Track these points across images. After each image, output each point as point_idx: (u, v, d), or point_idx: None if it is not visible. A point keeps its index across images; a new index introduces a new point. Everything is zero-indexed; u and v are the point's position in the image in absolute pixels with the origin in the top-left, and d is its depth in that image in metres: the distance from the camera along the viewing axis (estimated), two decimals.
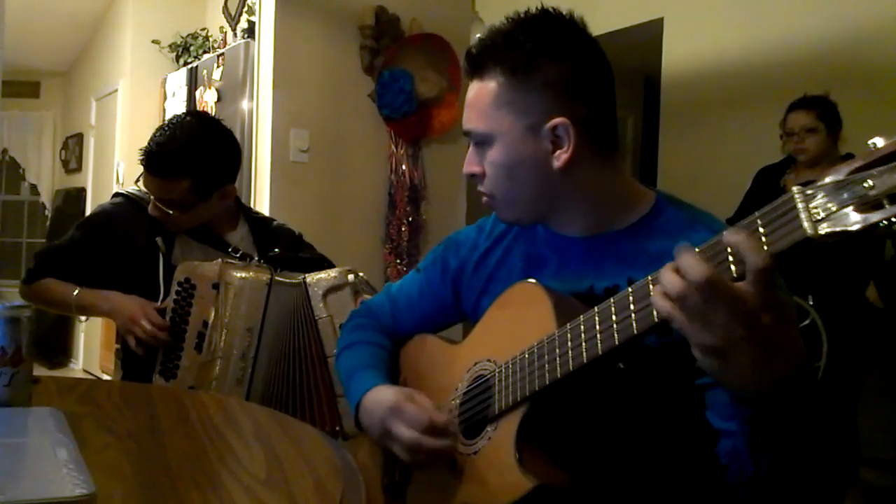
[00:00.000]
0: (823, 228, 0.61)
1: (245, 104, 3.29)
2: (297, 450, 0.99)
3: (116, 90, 4.77)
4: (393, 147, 3.33)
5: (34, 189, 6.40)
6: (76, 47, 5.69)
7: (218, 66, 3.58)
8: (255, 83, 3.22)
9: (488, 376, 0.98)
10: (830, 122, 2.81)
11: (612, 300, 0.80)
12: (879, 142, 0.61)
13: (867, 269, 2.80)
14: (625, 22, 4.21)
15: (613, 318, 0.79)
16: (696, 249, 0.70)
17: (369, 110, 3.28)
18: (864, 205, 0.59)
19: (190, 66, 3.97)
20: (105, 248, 1.76)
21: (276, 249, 1.78)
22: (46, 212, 6.29)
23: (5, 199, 6.41)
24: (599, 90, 0.99)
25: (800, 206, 0.62)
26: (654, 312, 0.74)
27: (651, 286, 0.74)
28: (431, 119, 3.36)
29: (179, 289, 1.65)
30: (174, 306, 1.65)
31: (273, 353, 1.67)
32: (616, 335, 0.78)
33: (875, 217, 0.58)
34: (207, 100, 3.63)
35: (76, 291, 1.74)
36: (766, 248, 0.65)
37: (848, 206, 0.60)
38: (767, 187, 2.96)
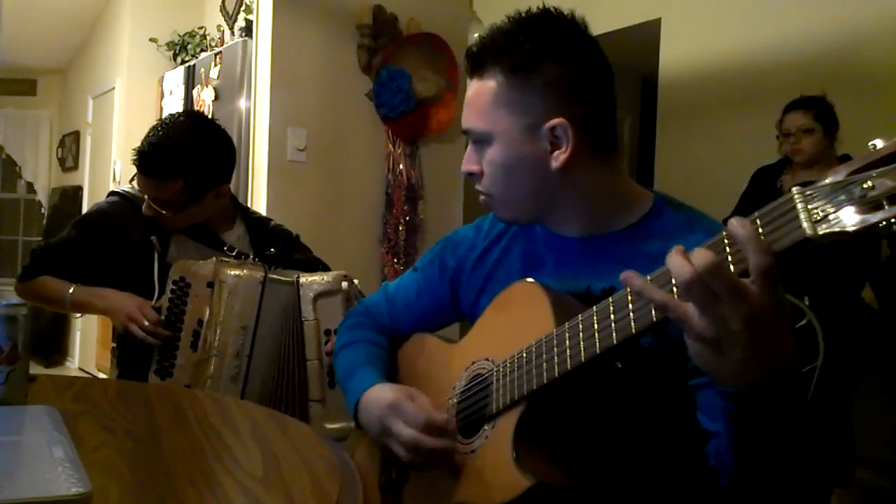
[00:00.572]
0: (823, 229, 0.61)
1: (242, 103, 3.28)
2: (295, 449, 0.99)
3: (113, 88, 4.76)
4: (390, 146, 3.33)
5: (30, 187, 6.39)
6: (73, 45, 5.67)
7: (215, 65, 3.58)
8: (253, 82, 3.22)
9: (486, 375, 0.98)
10: (827, 123, 2.81)
11: (610, 299, 0.80)
12: (879, 143, 0.62)
13: (863, 269, 2.80)
14: (622, 22, 4.22)
15: (612, 317, 0.79)
16: (703, 244, 0.70)
17: (367, 109, 3.28)
18: (864, 205, 0.59)
19: (187, 64, 3.97)
20: (101, 246, 1.76)
21: (272, 249, 1.78)
22: (43, 210, 6.27)
23: (1, 197, 6.39)
24: (599, 90, 0.99)
25: (799, 206, 0.62)
26: (653, 312, 0.74)
27: (648, 279, 0.74)
28: (429, 118, 3.35)
29: (175, 287, 1.65)
30: (169, 305, 1.65)
31: (266, 350, 1.67)
32: (614, 334, 0.78)
33: (874, 218, 0.58)
34: (205, 98, 3.63)
35: (72, 289, 1.74)
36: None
37: (847, 206, 0.60)
38: (764, 188, 2.96)
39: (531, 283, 0.96)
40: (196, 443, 0.99)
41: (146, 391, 1.30)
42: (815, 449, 0.77)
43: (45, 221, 6.05)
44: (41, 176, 6.32)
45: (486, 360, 1.01)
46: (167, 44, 4.41)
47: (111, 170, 4.66)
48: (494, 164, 1.01)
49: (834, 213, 0.60)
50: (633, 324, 0.76)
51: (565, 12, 1.00)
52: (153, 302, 1.67)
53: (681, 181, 3.93)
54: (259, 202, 3.12)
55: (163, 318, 1.64)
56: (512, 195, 1.02)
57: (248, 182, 3.21)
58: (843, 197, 0.60)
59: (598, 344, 0.80)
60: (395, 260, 3.30)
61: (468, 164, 1.05)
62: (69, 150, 5.84)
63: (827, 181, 0.61)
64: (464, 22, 3.63)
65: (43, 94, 6.36)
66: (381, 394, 1.06)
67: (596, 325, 0.81)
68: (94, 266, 1.76)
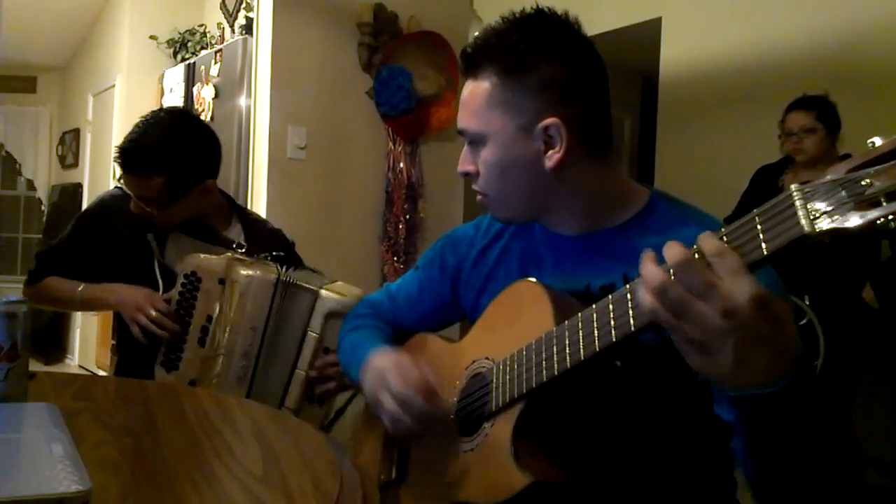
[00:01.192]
0: (821, 226, 0.61)
1: (243, 101, 3.28)
2: (295, 447, 0.99)
3: (113, 86, 4.75)
4: (390, 145, 3.33)
5: (30, 184, 6.39)
6: (73, 42, 5.67)
7: (216, 63, 3.57)
8: (253, 80, 3.21)
9: (486, 374, 0.98)
10: (829, 122, 2.81)
11: (610, 297, 0.80)
12: (878, 141, 0.62)
13: (863, 269, 2.80)
14: (622, 21, 4.21)
15: (611, 314, 0.79)
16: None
17: (367, 108, 3.28)
18: (862, 203, 0.59)
19: (187, 62, 3.96)
20: (102, 240, 1.76)
21: (273, 253, 1.77)
22: (43, 207, 6.27)
23: (1, 195, 6.39)
24: (593, 90, 0.99)
25: (798, 203, 0.62)
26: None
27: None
28: (429, 117, 3.35)
29: (185, 281, 1.65)
30: (179, 298, 1.65)
31: (270, 351, 1.66)
32: (613, 332, 0.78)
33: (873, 215, 0.58)
34: (205, 96, 3.62)
35: (80, 287, 1.73)
36: (763, 245, 0.65)
37: (846, 204, 0.60)
38: (765, 187, 2.96)
39: (532, 282, 0.96)
40: (196, 440, 0.99)
41: (146, 389, 1.30)
42: (834, 450, 0.76)
43: (45, 219, 6.05)
44: (41, 173, 6.32)
45: (486, 358, 1.01)
46: (167, 41, 4.41)
47: (111, 167, 4.66)
48: (489, 165, 1.01)
49: (832, 210, 0.60)
50: (632, 321, 0.76)
51: (559, 12, 1.00)
52: (161, 294, 1.67)
53: (681, 180, 3.92)
54: (259, 200, 3.12)
55: (173, 310, 1.64)
56: (507, 195, 1.02)
57: (248, 180, 3.21)
58: (841, 194, 0.60)
59: (597, 342, 0.80)
60: (395, 258, 3.30)
61: (464, 164, 1.05)
62: (69, 147, 5.84)
63: (826, 179, 0.61)
64: (464, 20, 3.63)
65: (43, 92, 6.36)
66: (387, 354, 1.09)
67: (595, 324, 0.81)
68: (99, 260, 1.76)
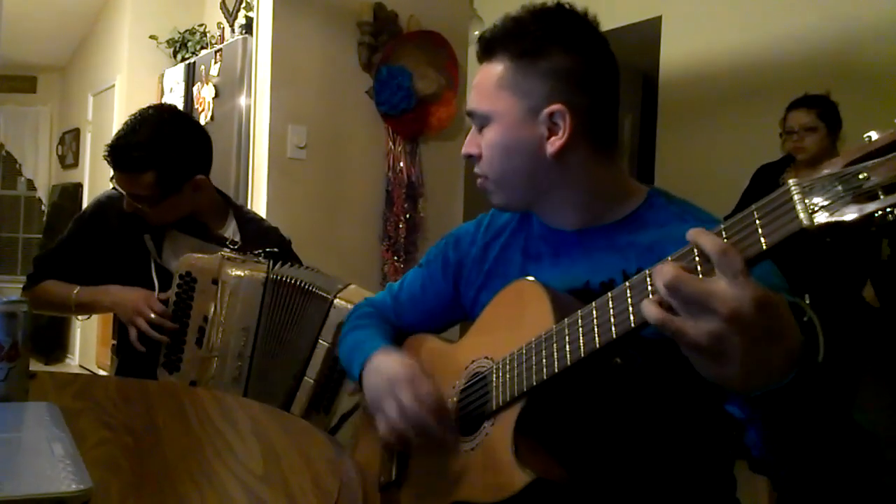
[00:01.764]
0: (819, 220, 0.61)
1: (243, 100, 3.28)
2: (295, 446, 0.99)
3: (113, 85, 4.75)
4: (390, 144, 3.33)
5: (31, 184, 6.39)
6: (73, 42, 5.67)
7: (216, 62, 3.57)
8: (253, 79, 3.21)
9: (485, 373, 0.98)
10: (830, 121, 2.81)
11: (609, 295, 0.80)
12: (874, 135, 0.62)
13: (864, 268, 2.80)
14: (623, 20, 4.21)
15: (611, 312, 0.79)
16: (669, 257, 0.71)
17: (367, 107, 3.28)
18: (860, 196, 0.59)
19: (187, 61, 3.96)
20: (99, 242, 1.76)
21: (267, 250, 1.77)
22: (43, 207, 6.27)
23: (1, 195, 6.39)
24: (602, 84, 1.01)
25: (796, 198, 0.62)
26: None
27: (647, 280, 0.74)
28: (429, 116, 3.35)
29: (181, 282, 1.65)
30: (176, 299, 1.64)
31: (273, 352, 1.66)
32: (613, 329, 0.78)
33: (870, 208, 0.59)
34: (205, 96, 3.62)
35: (76, 290, 1.73)
36: (762, 239, 0.65)
37: (843, 197, 0.60)
38: (766, 185, 2.96)
39: (531, 281, 0.96)
40: (196, 440, 0.99)
41: (147, 388, 1.30)
42: (849, 444, 0.76)
43: (45, 219, 6.06)
44: (41, 173, 6.32)
45: (486, 358, 1.01)
46: (167, 41, 4.41)
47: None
48: (492, 145, 1.02)
49: (830, 204, 0.60)
50: (631, 318, 0.76)
51: (578, 8, 1.02)
52: (156, 294, 1.67)
53: (682, 179, 3.92)
54: (259, 199, 3.12)
55: (170, 311, 1.64)
56: (507, 178, 1.04)
57: (248, 179, 3.21)
58: (839, 188, 0.60)
59: (597, 339, 0.80)
60: (396, 258, 3.30)
61: (469, 146, 1.06)
62: (69, 147, 5.84)
63: (824, 173, 0.61)
64: (464, 19, 3.63)
65: (43, 92, 6.36)
66: (398, 360, 1.07)
67: (595, 321, 0.81)
68: (96, 262, 1.76)
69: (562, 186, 1.02)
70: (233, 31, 3.74)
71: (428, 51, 3.32)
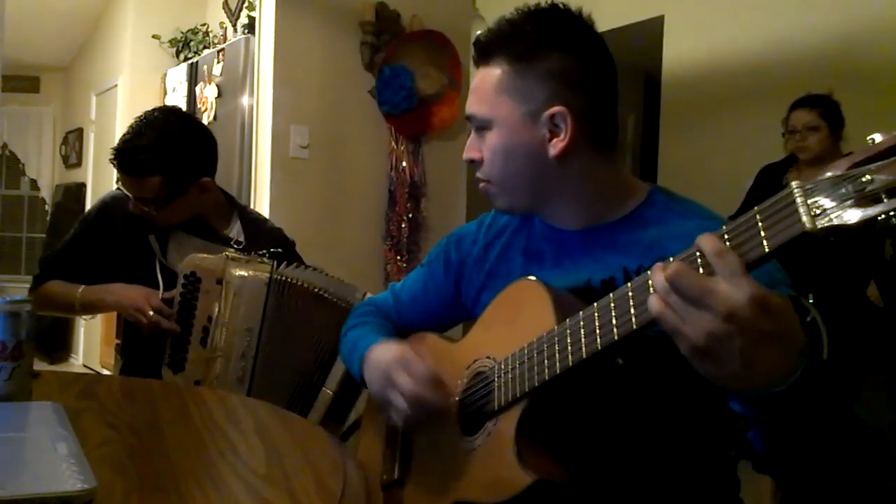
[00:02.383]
0: (822, 223, 0.61)
1: (245, 100, 3.28)
2: (298, 446, 0.99)
3: (116, 85, 4.76)
4: (393, 143, 3.33)
5: (34, 184, 6.40)
6: (76, 42, 5.68)
7: (218, 62, 3.58)
8: (256, 79, 3.22)
9: (488, 373, 0.99)
10: (833, 120, 2.81)
11: (611, 296, 0.80)
12: (878, 137, 0.62)
13: (868, 267, 2.80)
14: (625, 20, 4.21)
15: (613, 313, 0.79)
16: (671, 259, 0.72)
17: (369, 107, 3.28)
18: (863, 199, 0.59)
19: (190, 61, 3.97)
20: (104, 242, 1.76)
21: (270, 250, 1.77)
22: (46, 207, 6.29)
23: (5, 194, 6.40)
24: (601, 84, 1.01)
25: (798, 200, 0.62)
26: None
27: (649, 281, 0.74)
28: (431, 116, 3.35)
29: (185, 282, 1.65)
30: (181, 299, 1.65)
31: (281, 355, 1.65)
32: (615, 330, 0.78)
33: (873, 211, 0.58)
34: (207, 95, 3.63)
35: (80, 290, 1.74)
36: (764, 242, 0.65)
37: (847, 200, 0.60)
38: (770, 185, 2.95)
39: (532, 281, 0.96)
40: (200, 439, 0.99)
41: (151, 388, 1.31)
42: (854, 444, 0.76)
43: (48, 218, 6.07)
44: (45, 173, 6.33)
45: (488, 357, 1.01)
46: (170, 41, 4.42)
47: (115, 168, 4.66)
48: (494, 150, 1.02)
49: (833, 207, 0.60)
50: (633, 319, 0.76)
51: (573, 8, 1.02)
52: (160, 292, 1.67)
53: (684, 179, 3.92)
54: (262, 199, 3.12)
55: (175, 311, 1.64)
56: (510, 182, 1.03)
57: (251, 179, 3.22)
58: (842, 191, 0.60)
59: (599, 340, 0.80)
60: (399, 257, 3.30)
61: (470, 151, 1.06)
62: (72, 147, 5.85)
63: (827, 175, 0.61)
64: (466, 19, 3.63)
65: (46, 92, 6.37)
66: (388, 348, 1.09)
67: (597, 322, 0.81)
68: (101, 262, 1.76)
69: (565, 187, 1.02)
70: (235, 30, 3.75)
71: (430, 50, 3.32)
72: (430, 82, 3.30)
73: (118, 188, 1.83)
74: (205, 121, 3.48)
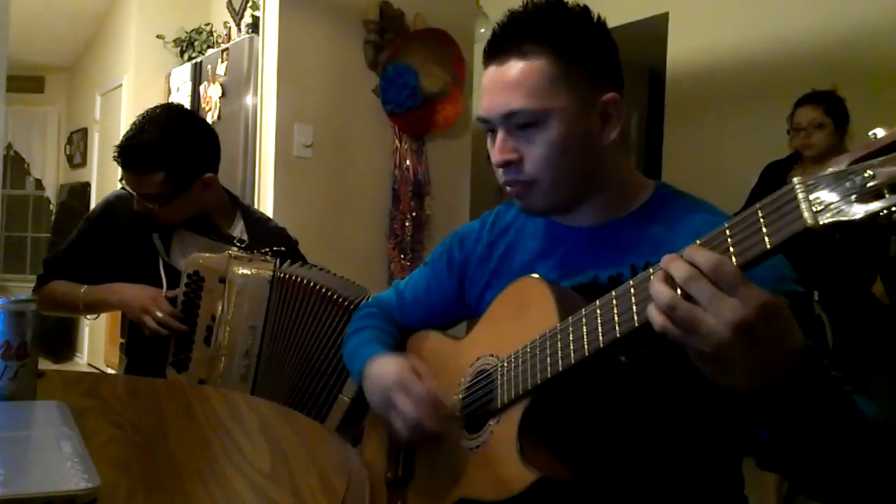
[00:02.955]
0: (824, 219, 0.60)
1: (249, 99, 3.29)
2: (302, 444, 0.99)
3: (121, 85, 4.77)
4: (397, 142, 3.33)
5: (39, 184, 6.42)
6: (80, 42, 5.69)
7: (222, 62, 3.58)
8: (260, 78, 3.22)
9: (490, 371, 0.98)
10: (838, 117, 2.80)
11: (613, 293, 0.80)
12: (880, 132, 0.61)
13: (873, 264, 2.79)
14: (630, 16, 4.20)
15: (615, 310, 0.79)
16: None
17: (373, 105, 3.28)
18: (865, 195, 0.59)
19: (194, 61, 3.97)
20: (108, 241, 1.77)
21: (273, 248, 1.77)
22: (51, 206, 6.30)
23: (10, 194, 6.42)
24: (621, 75, 1.02)
25: (800, 196, 0.62)
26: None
27: (651, 278, 0.74)
28: (435, 114, 3.35)
29: (189, 281, 1.65)
30: (184, 298, 1.65)
31: (288, 354, 1.65)
32: (617, 328, 0.78)
33: (875, 206, 0.58)
34: (212, 95, 3.63)
35: (83, 289, 1.74)
36: (766, 238, 0.65)
37: (849, 196, 0.60)
38: (775, 183, 2.94)
39: (535, 279, 0.96)
40: (204, 438, 0.99)
41: (155, 387, 1.31)
42: (861, 439, 0.76)
43: (53, 218, 6.08)
44: (49, 173, 6.35)
45: (491, 355, 1.01)
46: (174, 40, 4.42)
47: (119, 167, 4.67)
48: (550, 143, 0.97)
49: (835, 202, 0.60)
50: (635, 317, 0.76)
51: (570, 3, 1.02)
52: (164, 291, 1.67)
53: (689, 176, 3.91)
54: (266, 198, 3.13)
55: (178, 310, 1.64)
56: (562, 176, 0.99)
57: (255, 178, 3.22)
58: (844, 186, 0.60)
59: (601, 338, 0.80)
60: (402, 256, 3.30)
61: (504, 153, 0.99)
62: (77, 146, 5.86)
63: (829, 171, 0.61)
64: (470, 17, 3.62)
65: (51, 92, 6.38)
66: (388, 364, 1.08)
67: (599, 319, 0.81)
68: (105, 262, 1.76)
69: (605, 178, 1.02)
70: (239, 30, 3.75)
71: (434, 49, 3.32)
72: (433, 81, 3.30)
73: (122, 187, 1.83)
74: (209, 120, 3.49)
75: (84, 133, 5.72)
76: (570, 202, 1.03)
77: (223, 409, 1.15)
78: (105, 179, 5.09)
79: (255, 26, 3.36)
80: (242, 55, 3.35)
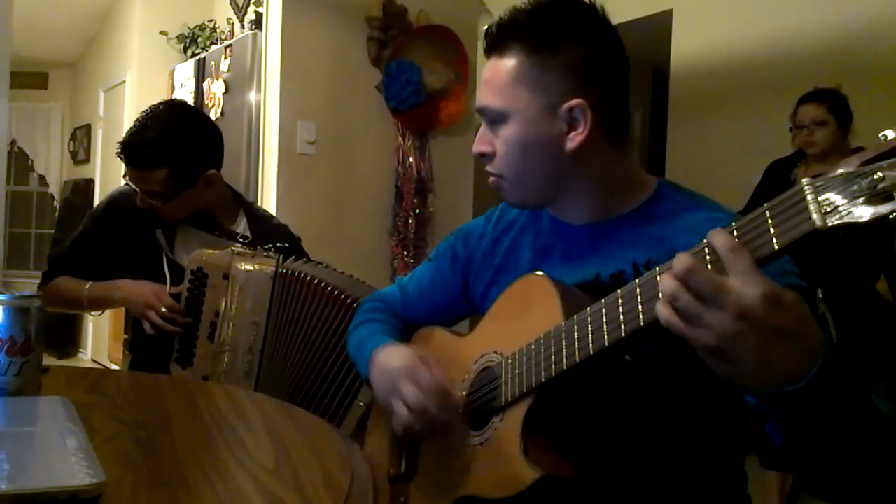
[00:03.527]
0: (832, 220, 0.60)
1: (252, 96, 3.29)
2: (306, 440, 0.99)
3: (124, 81, 4.78)
4: (400, 139, 3.33)
5: (42, 180, 6.43)
6: (84, 38, 5.69)
7: (225, 58, 3.58)
8: (263, 75, 3.22)
9: (495, 368, 0.98)
10: (841, 115, 2.79)
11: (619, 292, 0.80)
12: (890, 134, 0.61)
13: (877, 261, 2.78)
14: (633, 14, 4.19)
15: (620, 309, 0.78)
16: (680, 254, 0.70)
17: (376, 102, 3.28)
18: (874, 196, 0.58)
19: (197, 57, 3.97)
20: (112, 238, 1.77)
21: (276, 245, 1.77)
22: (55, 203, 6.31)
23: (14, 190, 6.42)
24: (615, 76, 1.00)
25: (809, 197, 0.62)
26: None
27: (658, 277, 0.74)
28: (439, 111, 3.35)
29: (192, 277, 1.65)
30: (188, 295, 1.65)
31: (294, 353, 1.65)
32: (623, 327, 0.78)
33: (885, 209, 0.58)
34: (215, 91, 3.63)
35: (87, 286, 1.74)
36: (774, 239, 0.64)
37: (858, 198, 0.59)
38: (778, 181, 2.94)
39: (540, 276, 0.96)
40: (208, 434, 1.00)
41: (159, 383, 1.31)
42: (875, 441, 0.75)
43: (57, 214, 6.09)
44: (53, 169, 6.36)
45: (495, 353, 1.01)
46: (177, 37, 4.42)
47: (122, 163, 4.67)
48: (510, 143, 1.00)
49: (844, 204, 0.60)
50: (641, 316, 0.76)
51: None
52: (168, 288, 1.68)
53: (692, 173, 3.90)
54: (269, 195, 3.13)
55: (182, 306, 1.64)
56: (524, 176, 1.01)
57: (258, 175, 3.22)
58: (853, 188, 0.59)
59: (606, 337, 0.80)
60: (405, 253, 3.30)
61: (480, 144, 1.03)
62: (81, 143, 5.87)
63: (838, 172, 0.61)
64: (473, 13, 3.62)
65: (54, 88, 6.39)
66: (397, 353, 1.08)
67: (605, 318, 0.80)
68: (109, 258, 1.77)
69: (578, 181, 1.01)
70: (242, 26, 3.75)
71: (437, 45, 3.31)
72: (437, 77, 3.30)
73: (126, 184, 1.84)
74: (212, 117, 3.49)
75: (87, 129, 5.72)
76: (541, 200, 1.05)
77: (227, 404, 1.15)
78: (108, 176, 5.09)
79: (258, 23, 3.36)
80: (246, 52, 3.35)
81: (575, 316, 0.85)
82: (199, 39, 4.25)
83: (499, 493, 0.89)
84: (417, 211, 3.33)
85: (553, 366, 0.86)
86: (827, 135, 2.79)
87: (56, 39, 5.64)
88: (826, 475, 0.78)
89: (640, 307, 0.76)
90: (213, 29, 4.21)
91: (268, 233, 1.85)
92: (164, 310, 1.62)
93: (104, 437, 0.89)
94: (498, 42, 1.00)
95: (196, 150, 1.70)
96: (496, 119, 1.01)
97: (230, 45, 3.58)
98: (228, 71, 3.55)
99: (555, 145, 0.98)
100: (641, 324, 0.76)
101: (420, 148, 3.36)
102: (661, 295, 0.70)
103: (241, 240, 1.78)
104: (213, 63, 3.72)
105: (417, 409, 0.99)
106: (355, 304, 1.61)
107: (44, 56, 5.94)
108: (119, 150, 1.69)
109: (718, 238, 0.67)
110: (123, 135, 1.72)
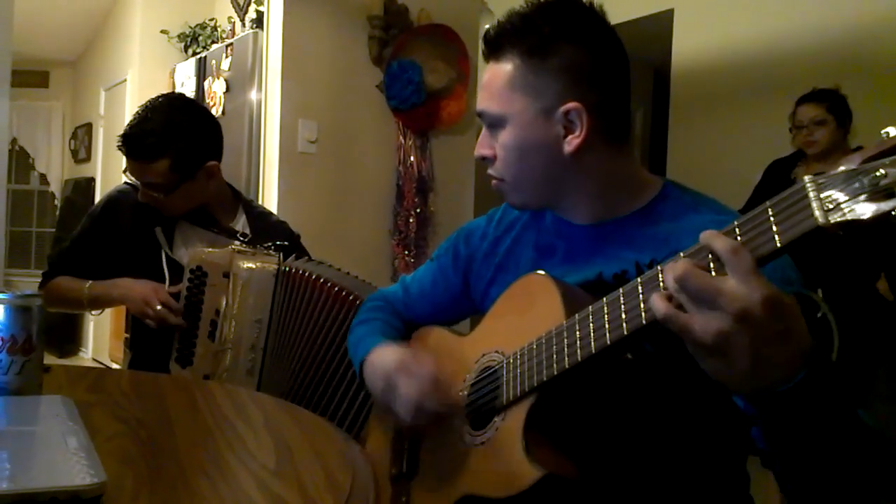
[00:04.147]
0: (835, 218, 0.60)
1: (254, 95, 3.29)
2: (308, 440, 0.99)
3: (125, 80, 4.78)
4: (401, 138, 3.33)
5: (43, 179, 6.43)
6: (85, 37, 5.69)
7: (226, 57, 3.58)
8: (264, 74, 3.22)
9: (496, 367, 0.98)
10: (840, 114, 2.79)
11: (621, 290, 0.79)
12: (892, 131, 0.61)
13: (878, 261, 2.78)
14: (634, 13, 4.19)
15: (622, 308, 0.78)
16: (681, 254, 0.71)
17: (377, 101, 3.28)
18: (877, 193, 0.58)
19: (198, 56, 3.97)
20: (112, 236, 1.77)
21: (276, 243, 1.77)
22: (56, 201, 6.31)
23: (15, 189, 6.43)
24: (614, 78, 0.99)
25: (811, 195, 0.62)
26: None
27: (659, 276, 0.74)
28: (440, 110, 3.35)
29: (192, 276, 1.65)
30: (187, 293, 1.65)
31: (296, 349, 1.65)
32: (624, 325, 0.78)
33: (887, 206, 0.58)
34: (216, 90, 3.63)
35: (87, 285, 1.74)
36: (776, 237, 0.64)
37: (860, 195, 0.59)
38: (778, 180, 2.94)
39: (542, 275, 0.96)
40: (209, 433, 1.00)
41: (160, 382, 1.31)
42: (860, 447, 0.75)
43: (58, 213, 6.09)
44: (54, 167, 6.36)
45: (496, 352, 1.01)
46: (178, 36, 4.42)
47: (123, 161, 4.67)
48: (508, 147, 1.01)
49: (846, 201, 0.60)
50: (642, 315, 0.76)
51: (584, 0, 1.00)
52: (167, 286, 1.68)
53: (693, 173, 3.90)
54: (270, 194, 3.13)
55: (181, 305, 1.65)
56: (523, 179, 1.02)
57: (259, 174, 3.22)
58: (855, 185, 0.59)
59: (608, 335, 0.80)
60: (406, 252, 3.30)
61: (481, 148, 1.04)
62: (81, 141, 5.87)
63: (840, 170, 0.61)
64: (475, 13, 3.62)
65: (55, 87, 6.39)
66: (390, 351, 1.09)
67: (606, 317, 0.80)
68: (109, 256, 1.77)
69: (579, 183, 1.01)
70: (243, 25, 3.75)
71: (438, 45, 3.31)
72: (438, 77, 3.29)
73: (126, 182, 1.84)
74: None
75: (88, 128, 5.73)
76: (542, 202, 1.05)
77: (227, 404, 1.15)
78: (109, 174, 5.09)
79: (259, 21, 3.36)
80: (247, 50, 3.35)
81: (576, 315, 0.85)
82: (200, 38, 4.25)
83: (501, 492, 0.89)
84: (418, 210, 3.32)
85: (555, 364, 0.86)
86: (826, 134, 2.79)
87: (57, 38, 5.64)
88: (807, 486, 0.78)
89: (641, 306, 0.76)
90: (214, 28, 4.21)
91: (267, 229, 1.86)
92: (158, 306, 1.62)
93: (105, 437, 0.89)
94: (494, 47, 1.01)
95: (196, 141, 1.71)
96: (494, 123, 1.01)
97: (231, 44, 3.57)
98: (229, 70, 3.55)
99: (552, 148, 0.98)
100: (644, 322, 0.76)
101: (421, 147, 3.36)
102: (662, 287, 0.70)
103: (240, 237, 1.78)
104: (214, 62, 3.72)
105: (415, 400, 1.00)
106: (359, 302, 1.61)
107: (45, 55, 5.94)
108: (120, 143, 1.69)
109: (718, 240, 0.67)
110: (124, 128, 1.72)
